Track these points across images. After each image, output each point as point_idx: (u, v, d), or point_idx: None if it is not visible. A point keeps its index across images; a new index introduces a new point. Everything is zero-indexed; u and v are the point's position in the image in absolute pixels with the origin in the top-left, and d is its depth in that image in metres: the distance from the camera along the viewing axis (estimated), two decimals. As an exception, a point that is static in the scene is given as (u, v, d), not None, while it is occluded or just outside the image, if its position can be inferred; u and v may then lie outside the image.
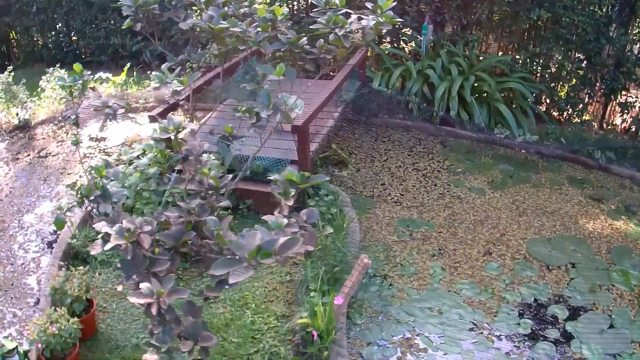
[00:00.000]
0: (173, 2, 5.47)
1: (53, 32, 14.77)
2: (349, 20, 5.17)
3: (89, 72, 5.63)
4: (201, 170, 4.29)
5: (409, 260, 6.70)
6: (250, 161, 5.41)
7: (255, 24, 5.14)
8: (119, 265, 3.67)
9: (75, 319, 5.25)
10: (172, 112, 7.72)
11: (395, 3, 5.43)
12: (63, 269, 6.09)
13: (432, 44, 11.27)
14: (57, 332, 5.05)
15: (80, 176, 8.96)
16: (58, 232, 7.51)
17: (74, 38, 14.62)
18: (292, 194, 3.91)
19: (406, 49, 12.25)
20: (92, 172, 4.49)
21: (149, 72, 11.19)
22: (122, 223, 3.65)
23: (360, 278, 5.70)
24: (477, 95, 10.21)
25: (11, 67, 11.24)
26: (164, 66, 5.30)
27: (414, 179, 8.53)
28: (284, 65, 4.53)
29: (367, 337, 5.56)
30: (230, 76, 8.16)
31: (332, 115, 9.07)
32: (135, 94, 11.03)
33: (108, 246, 3.56)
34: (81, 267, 5.84)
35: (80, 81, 5.46)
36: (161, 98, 9.76)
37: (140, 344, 5.43)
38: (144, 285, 3.46)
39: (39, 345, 5.03)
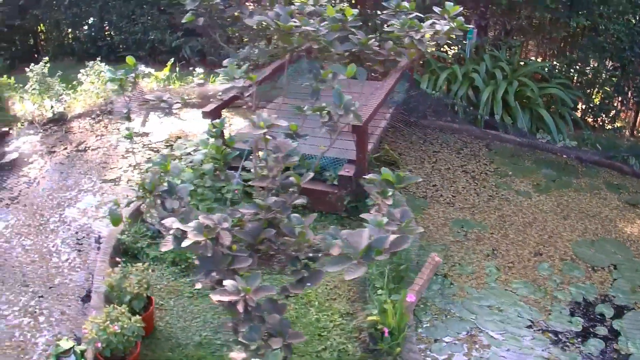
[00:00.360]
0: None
1: (85, 26, 14.65)
2: (425, 25, 5.20)
3: (142, 66, 5.65)
4: (274, 167, 4.24)
5: (466, 260, 6.93)
6: (319, 159, 5.28)
7: (325, 22, 5.06)
8: (196, 262, 3.59)
9: (138, 317, 5.16)
10: (224, 109, 7.85)
11: (461, 9, 5.45)
12: (119, 265, 6.03)
13: (475, 48, 11.37)
14: (119, 330, 4.95)
15: (124, 171, 9.00)
16: (95, 232, 7.60)
17: (109, 32, 14.55)
18: (390, 193, 3.89)
19: (450, 52, 12.16)
20: (154, 166, 4.37)
21: (190, 68, 11.74)
22: (195, 219, 3.60)
23: (430, 276, 5.80)
24: (519, 100, 10.33)
25: (47, 58, 11.19)
26: (226, 62, 5.20)
27: (464, 181, 8.72)
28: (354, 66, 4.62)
29: (434, 334, 5.73)
30: (278, 75, 8.09)
31: (384, 116, 9.22)
32: (177, 89, 10.99)
33: (186, 243, 3.44)
34: (139, 264, 5.77)
35: (133, 74, 5.43)
36: (205, 95, 10.34)
37: (203, 341, 5.43)
38: (229, 283, 3.38)
39: (99, 345, 4.92)
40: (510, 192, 8.49)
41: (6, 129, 10.58)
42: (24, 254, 7.18)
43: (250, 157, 5.48)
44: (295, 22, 4.88)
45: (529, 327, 6.00)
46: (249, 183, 6.08)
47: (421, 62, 11.36)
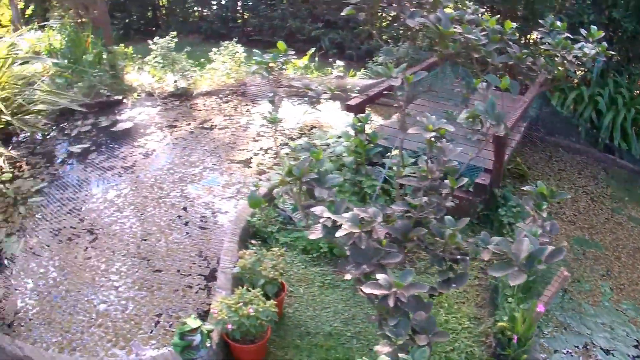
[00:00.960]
0: None
1: (215, 6, 15.25)
2: (576, 46, 5.65)
3: (293, 52, 5.96)
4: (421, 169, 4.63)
5: (584, 277, 7.34)
6: (465, 166, 5.71)
7: (484, 32, 5.44)
8: (347, 253, 3.82)
9: (272, 301, 5.24)
10: (368, 105, 8.19)
11: (603, 34, 5.99)
12: (253, 247, 6.20)
13: (600, 72, 11.57)
14: (253, 313, 5.04)
15: (255, 154, 9.12)
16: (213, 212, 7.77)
17: (242, 15, 15.06)
18: (545, 206, 4.37)
19: (578, 72, 12.19)
20: (298, 152, 4.70)
21: (330, 60, 12.06)
22: (346, 211, 3.92)
23: (558, 289, 5.91)
24: (637, 127, 10.88)
25: (174, 33, 11.73)
26: (382, 58, 5.68)
27: (584, 202, 9.16)
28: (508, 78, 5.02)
29: (554, 345, 6.15)
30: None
31: (519, 130, 9.65)
32: (315, 79, 11.13)
33: (340, 233, 3.71)
34: (275, 249, 5.95)
35: (282, 59, 5.81)
36: (342, 87, 10.28)
37: (332, 332, 5.67)
38: (381, 277, 3.64)
39: (230, 326, 5.01)
40: (623, 217, 8.87)
41: (120, 97, 11.12)
42: (139, 225, 7.33)
43: (388, 155, 6.05)
44: (457, 28, 5.20)
45: (635, 346, 6.36)
46: (399, 181, 6.14)
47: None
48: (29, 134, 9.74)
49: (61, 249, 6.90)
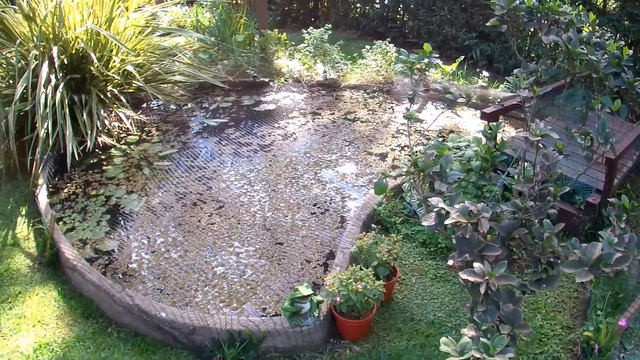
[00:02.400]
0: (539, 15, 6.17)
1: (377, 4, 16.11)
2: None
3: (437, 55, 6.37)
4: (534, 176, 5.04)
5: None
6: (575, 180, 6.07)
7: (605, 56, 5.75)
8: (454, 241, 4.31)
9: (381, 282, 5.84)
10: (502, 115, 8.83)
11: None
12: (373, 231, 6.79)
13: None
14: (361, 290, 5.61)
15: (392, 149, 9.67)
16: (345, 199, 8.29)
17: (402, 16, 15.80)
18: (624, 217, 4.70)
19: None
20: (428, 149, 5.11)
21: (477, 70, 12.56)
22: (459, 204, 4.36)
23: None
24: None
25: (329, 25, 12.59)
26: (516, 71, 6.04)
27: None
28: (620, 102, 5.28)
29: None
30: (555, 95, 8.78)
31: (631, 157, 9.50)
32: (460, 86, 11.77)
33: (449, 221, 4.21)
34: (393, 235, 6.60)
35: (426, 61, 6.28)
36: (485, 97, 11.04)
37: (435, 321, 6.15)
38: (477, 265, 4.08)
39: (338, 299, 5.62)
40: None
41: (266, 80, 12.08)
42: (268, 200, 8.16)
43: (514, 165, 6.52)
44: (583, 49, 5.59)
45: None
46: (513, 187, 6.76)
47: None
48: (161, 101, 10.95)
49: (185, 212, 7.89)
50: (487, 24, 6.49)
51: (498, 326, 4.01)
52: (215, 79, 10.73)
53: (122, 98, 9.17)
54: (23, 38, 8.87)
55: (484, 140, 7.72)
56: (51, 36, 8.79)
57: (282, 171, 8.74)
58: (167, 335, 5.77)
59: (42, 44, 8.50)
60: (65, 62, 8.85)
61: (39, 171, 8.08)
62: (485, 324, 3.98)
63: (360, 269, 5.87)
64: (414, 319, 6.11)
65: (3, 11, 8.92)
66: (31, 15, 8.72)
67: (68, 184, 8.37)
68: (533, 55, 12.97)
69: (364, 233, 6.57)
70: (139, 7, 10.41)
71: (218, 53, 12.15)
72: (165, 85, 10.55)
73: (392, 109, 11.14)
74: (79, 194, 8.16)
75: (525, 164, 6.51)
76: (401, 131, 10.24)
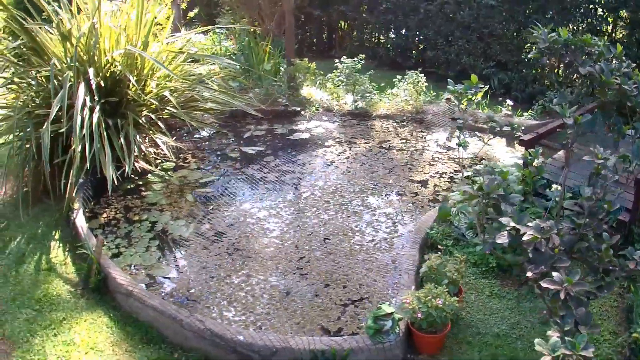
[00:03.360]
0: (573, 47, 6.66)
1: (392, 34, 16.49)
2: None
3: (481, 85, 7.10)
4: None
5: None
6: (614, 200, 6.00)
7: (635, 85, 6.25)
8: (529, 255, 4.81)
9: (455, 298, 6.18)
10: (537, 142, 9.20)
11: None
12: (439, 252, 7.20)
13: None
14: (441, 305, 5.92)
15: (431, 176, 9.86)
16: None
17: (419, 46, 16.21)
18: None
19: None
20: (486, 174, 5.57)
21: (500, 98, 12.92)
22: (527, 223, 4.89)
23: None
24: None
25: (363, 55, 12.86)
26: (556, 100, 6.43)
27: None
28: None
29: None
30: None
31: None
32: (483, 115, 11.39)
33: (526, 237, 4.73)
34: (458, 255, 7.03)
35: (472, 91, 7.03)
36: (509, 125, 10.67)
37: (500, 334, 6.45)
38: (555, 274, 4.58)
39: (419, 315, 5.88)
40: None
41: (298, 109, 12.12)
42: (322, 225, 8.24)
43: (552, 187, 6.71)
44: (616, 80, 6.08)
45: None
46: (565, 205, 6.90)
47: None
48: (193, 128, 10.90)
49: (239, 238, 7.80)
50: (529, 56, 7.00)
51: (577, 327, 4.53)
52: (249, 107, 10.64)
53: (159, 124, 9.04)
54: (57, 58, 8.74)
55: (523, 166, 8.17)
56: (85, 57, 8.70)
57: (330, 198, 8.77)
58: (245, 359, 5.63)
59: (76, 65, 8.31)
60: (102, 85, 8.69)
61: (74, 195, 7.92)
62: (567, 325, 4.50)
63: (435, 287, 6.13)
64: (480, 333, 6.38)
65: (38, 29, 8.80)
66: (66, 34, 8.66)
67: (106, 209, 8.24)
68: (547, 84, 13.49)
69: (430, 254, 6.86)
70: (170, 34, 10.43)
71: (248, 81, 12.19)
72: (197, 113, 10.46)
73: (424, 138, 11.26)
74: (119, 219, 8.02)
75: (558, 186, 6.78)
76: (436, 159, 10.45)
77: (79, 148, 7.65)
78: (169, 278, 6.95)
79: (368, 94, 12.21)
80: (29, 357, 5.70)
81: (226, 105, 10.47)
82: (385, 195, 9.01)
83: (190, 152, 10.25)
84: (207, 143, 10.69)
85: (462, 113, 7.91)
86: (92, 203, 8.44)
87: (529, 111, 12.00)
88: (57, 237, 7.66)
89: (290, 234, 7.84)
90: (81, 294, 6.67)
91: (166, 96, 9.23)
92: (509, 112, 11.83)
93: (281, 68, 12.91)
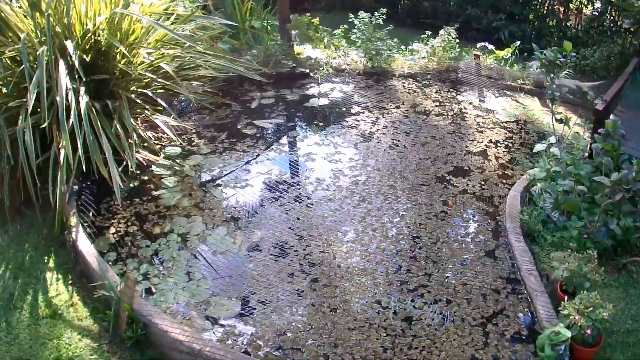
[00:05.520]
0: None
1: None
2: None
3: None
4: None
5: None
6: None
7: None
8: None
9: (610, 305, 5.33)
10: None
11: None
12: (569, 250, 5.91)
13: None
14: (607, 317, 5.11)
15: (486, 145, 8.36)
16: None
17: None
18: None
19: None
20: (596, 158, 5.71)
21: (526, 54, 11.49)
22: None
23: None
24: None
25: (384, 10, 10.83)
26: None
27: None
28: None
29: None
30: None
31: None
32: (514, 73, 10.66)
33: None
34: (589, 251, 5.79)
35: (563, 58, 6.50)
36: (540, 83, 10.10)
37: (630, 329, 5.54)
38: None
39: (590, 332, 5.04)
40: None
41: (306, 70, 10.12)
42: (399, 220, 6.54)
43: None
44: None
45: None
46: None
47: None
48: (186, 103, 8.81)
49: (308, 249, 5.94)
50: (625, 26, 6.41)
51: None
52: (251, 72, 8.49)
53: (159, 100, 6.98)
54: (26, 34, 6.43)
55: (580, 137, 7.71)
56: (58, 29, 6.52)
57: (393, 182, 7.09)
58: None
59: (51, 37, 6.15)
60: (86, 60, 6.50)
61: (66, 206, 5.83)
62: None
63: (589, 295, 5.27)
64: (613, 331, 5.44)
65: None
66: (36, 1, 6.42)
67: (112, 221, 6.07)
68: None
69: (560, 253, 5.82)
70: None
71: (241, 43, 10.06)
72: (193, 83, 8.26)
73: (456, 99, 9.70)
74: (134, 233, 5.89)
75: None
76: (481, 124, 9.00)
77: (67, 142, 5.62)
78: (241, 318, 4.98)
79: (385, 51, 10.37)
80: None
81: (223, 72, 8.27)
82: (453, 174, 7.40)
83: (195, 131, 8.03)
84: (208, 118, 8.42)
85: (552, 84, 6.77)
86: (91, 213, 6.19)
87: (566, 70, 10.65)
88: (51, 264, 5.54)
89: (375, 240, 6.05)
90: (109, 350, 4.64)
91: (162, 67, 7.08)
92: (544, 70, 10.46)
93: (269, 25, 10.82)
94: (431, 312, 5.31)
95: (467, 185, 7.28)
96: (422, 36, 10.99)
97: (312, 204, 6.54)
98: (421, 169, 7.45)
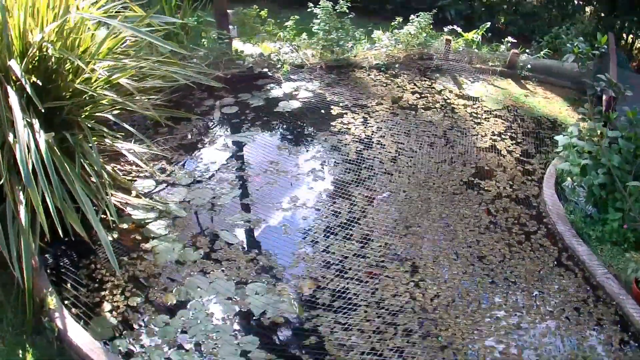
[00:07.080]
0: None
1: None
2: None
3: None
4: None
5: None
6: None
7: None
8: None
9: None
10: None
11: None
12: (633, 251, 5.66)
13: None
14: None
15: (491, 139, 7.73)
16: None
17: None
18: None
19: None
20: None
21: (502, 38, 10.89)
22: None
23: None
24: None
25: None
26: None
27: None
28: None
29: None
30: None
31: None
32: (483, 55, 10.07)
33: None
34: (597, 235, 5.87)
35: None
36: (513, 64, 9.83)
37: None
38: None
39: None
40: None
41: (264, 70, 8.75)
42: (444, 233, 5.79)
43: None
44: None
45: None
46: None
47: None
48: (150, 120, 7.14)
49: (374, 291, 4.87)
50: None
51: None
52: (206, 77, 6.83)
53: (125, 125, 5.57)
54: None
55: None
56: None
57: (416, 192, 6.19)
58: None
59: None
60: (37, 83, 4.82)
61: (38, 283, 4.34)
62: None
63: None
64: None
65: None
66: None
67: (103, 293, 4.52)
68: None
69: (632, 254, 5.57)
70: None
71: (184, 43, 8.44)
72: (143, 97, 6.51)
73: (434, 88, 8.79)
74: (142, 309, 4.40)
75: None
76: (474, 115, 8.27)
77: (35, 197, 4.16)
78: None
79: (349, 41, 9.42)
80: None
81: (171, 80, 6.66)
82: (478, 177, 6.72)
83: (162, 156, 6.43)
84: (171, 138, 6.82)
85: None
86: (69, 285, 4.60)
87: (541, 50, 10.24)
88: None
89: (443, 268, 5.14)
90: None
91: (122, 84, 5.61)
92: (517, 51, 9.96)
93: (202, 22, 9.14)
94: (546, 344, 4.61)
95: (498, 187, 6.55)
96: (393, 23, 9.91)
97: (351, 239, 5.33)
98: (444, 175, 6.55)
